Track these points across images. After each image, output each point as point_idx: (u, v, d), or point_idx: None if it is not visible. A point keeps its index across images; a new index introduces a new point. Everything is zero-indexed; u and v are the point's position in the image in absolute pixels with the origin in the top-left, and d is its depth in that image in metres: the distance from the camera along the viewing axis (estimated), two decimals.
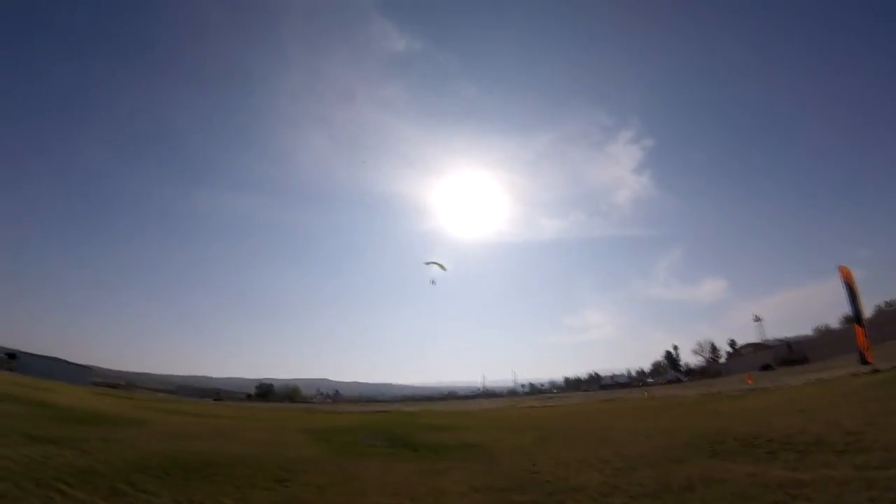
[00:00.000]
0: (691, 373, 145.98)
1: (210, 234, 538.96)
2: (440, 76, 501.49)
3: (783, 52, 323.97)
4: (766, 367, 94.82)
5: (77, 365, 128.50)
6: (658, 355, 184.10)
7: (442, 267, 37.28)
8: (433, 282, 38.85)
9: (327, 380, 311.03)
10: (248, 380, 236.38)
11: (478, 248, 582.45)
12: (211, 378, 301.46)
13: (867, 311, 50.79)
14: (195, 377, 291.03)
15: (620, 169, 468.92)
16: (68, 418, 28.27)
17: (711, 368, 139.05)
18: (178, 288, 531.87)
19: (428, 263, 37.27)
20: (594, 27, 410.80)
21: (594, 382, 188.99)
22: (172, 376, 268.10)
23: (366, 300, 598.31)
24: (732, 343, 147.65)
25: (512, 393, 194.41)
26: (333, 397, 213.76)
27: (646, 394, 70.14)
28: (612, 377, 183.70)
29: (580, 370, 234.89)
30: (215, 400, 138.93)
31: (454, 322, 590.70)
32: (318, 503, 11.75)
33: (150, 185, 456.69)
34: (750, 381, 52.73)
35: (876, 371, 32.38)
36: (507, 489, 12.41)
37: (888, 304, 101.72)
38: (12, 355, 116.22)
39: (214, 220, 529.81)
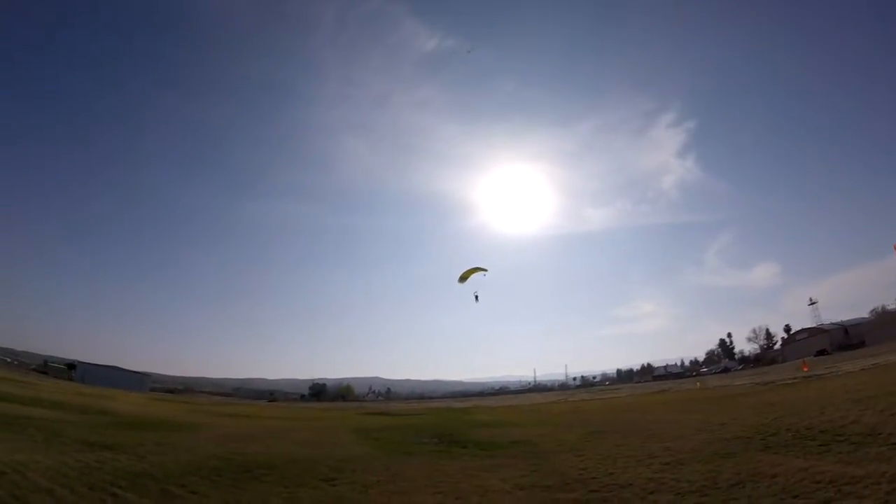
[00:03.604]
0: (746, 361, 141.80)
1: (260, 242, 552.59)
2: (476, 73, 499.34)
3: (830, 29, 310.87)
4: (821, 353, 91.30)
5: (135, 372, 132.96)
6: (712, 344, 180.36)
7: (482, 270, 32.91)
8: (476, 297, 34.59)
9: (379, 378, 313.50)
10: (302, 380, 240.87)
11: (525, 242, 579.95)
12: (266, 380, 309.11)
13: None
14: (251, 380, 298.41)
15: (664, 153, 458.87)
16: (125, 424, 29.51)
17: (766, 356, 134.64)
18: (231, 295, 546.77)
19: (463, 278, 32.43)
20: (629, 12, 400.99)
21: (647, 373, 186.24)
22: (228, 379, 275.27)
23: (416, 299, 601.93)
24: (787, 328, 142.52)
25: (563, 386, 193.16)
26: (385, 395, 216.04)
27: (698, 384, 68.67)
28: (666, 368, 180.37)
29: (633, 362, 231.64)
30: (269, 401, 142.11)
31: (505, 317, 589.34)
32: (363, 502, 11.92)
33: (201, 199, 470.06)
34: (806, 369, 51.02)
35: None
36: (552, 487, 12.39)
37: None
38: (72, 366, 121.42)
39: (264, 228, 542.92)
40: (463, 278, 32.01)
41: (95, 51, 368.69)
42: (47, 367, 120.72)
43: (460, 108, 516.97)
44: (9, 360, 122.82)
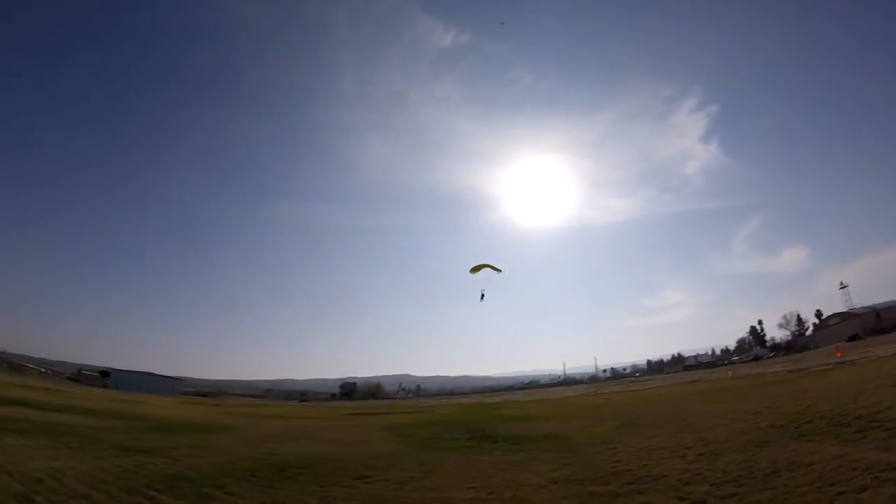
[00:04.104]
0: (777, 348, 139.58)
1: (286, 245, 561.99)
2: (492, 66, 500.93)
3: (853, 7, 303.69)
4: (854, 338, 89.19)
5: (167, 377, 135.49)
6: (743, 332, 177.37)
7: (495, 268, 31.17)
8: (483, 296, 32.69)
9: (409, 375, 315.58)
10: (332, 380, 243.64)
11: (549, 235, 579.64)
12: (297, 380, 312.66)
13: None
14: (282, 380, 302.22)
15: (687, 139, 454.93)
16: (159, 428, 30.12)
17: (798, 342, 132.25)
18: (260, 297, 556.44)
19: (475, 269, 32.29)
20: None
21: (677, 364, 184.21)
22: (260, 381, 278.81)
23: (442, 295, 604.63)
24: (818, 314, 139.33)
25: (593, 379, 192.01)
26: (415, 392, 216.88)
27: (730, 373, 67.93)
28: (696, 357, 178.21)
29: (663, 352, 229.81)
30: (301, 401, 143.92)
31: (533, 311, 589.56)
32: (397, 499, 11.99)
33: (226, 204, 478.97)
34: (839, 355, 50.22)
35: None
36: (586, 480, 12.39)
37: None
38: (105, 373, 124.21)
39: (289, 230, 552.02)
40: (474, 269, 31.24)
41: (119, 63, 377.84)
42: (81, 376, 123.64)
43: (479, 103, 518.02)
44: (42, 369, 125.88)
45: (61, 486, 11.72)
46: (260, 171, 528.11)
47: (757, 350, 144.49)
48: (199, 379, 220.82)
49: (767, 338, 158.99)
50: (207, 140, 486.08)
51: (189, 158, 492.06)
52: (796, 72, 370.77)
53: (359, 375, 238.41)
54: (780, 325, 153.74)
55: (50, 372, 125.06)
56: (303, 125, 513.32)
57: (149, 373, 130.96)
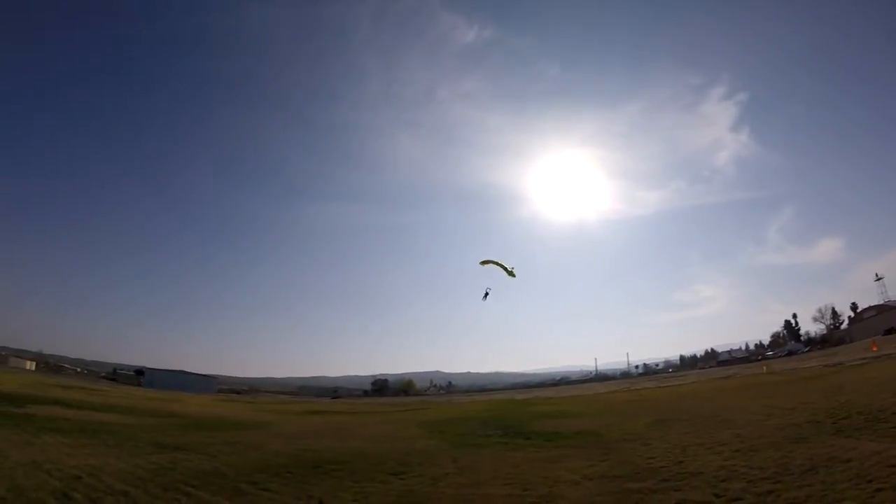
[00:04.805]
0: (812, 342, 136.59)
1: (317, 244, 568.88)
2: (518, 60, 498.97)
3: None
4: (890, 331, 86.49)
5: (201, 375, 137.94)
6: (776, 326, 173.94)
7: (509, 271, 30.85)
8: (486, 294, 31.98)
9: (440, 372, 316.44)
10: (364, 376, 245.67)
11: (578, 229, 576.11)
12: (329, 377, 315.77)
13: None
14: (314, 378, 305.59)
15: (717, 129, 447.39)
16: (194, 426, 31.02)
17: (833, 336, 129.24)
18: (292, 296, 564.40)
19: (485, 262, 30.44)
20: None
21: (711, 359, 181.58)
22: (292, 378, 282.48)
23: (472, 292, 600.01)
24: (854, 306, 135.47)
25: (626, 375, 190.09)
26: (446, 388, 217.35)
27: (764, 368, 66.78)
28: (730, 352, 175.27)
29: (695, 347, 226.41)
30: (333, 398, 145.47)
31: (563, 306, 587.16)
32: (432, 495, 12.10)
33: (257, 206, 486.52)
34: (875, 349, 49.19)
35: None
36: (621, 477, 12.45)
37: None
38: (140, 372, 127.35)
39: (320, 230, 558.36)
40: (484, 262, 29.98)
41: (150, 73, 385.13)
42: (116, 375, 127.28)
43: (506, 98, 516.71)
44: (79, 369, 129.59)
45: (99, 482, 12.05)
46: (291, 173, 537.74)
47: (791, 345, 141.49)
48: (232, 377, 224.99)
49: (802, 332, 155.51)
50: (240, 145, 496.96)
51: (222, 163, 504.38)
52: (826, 56, 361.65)
53: (390, 372, 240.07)
54: (815, 319, 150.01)
55: (86, 372, 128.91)
56: (331, 127, 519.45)
57: (183, 371, 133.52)
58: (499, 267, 29.97)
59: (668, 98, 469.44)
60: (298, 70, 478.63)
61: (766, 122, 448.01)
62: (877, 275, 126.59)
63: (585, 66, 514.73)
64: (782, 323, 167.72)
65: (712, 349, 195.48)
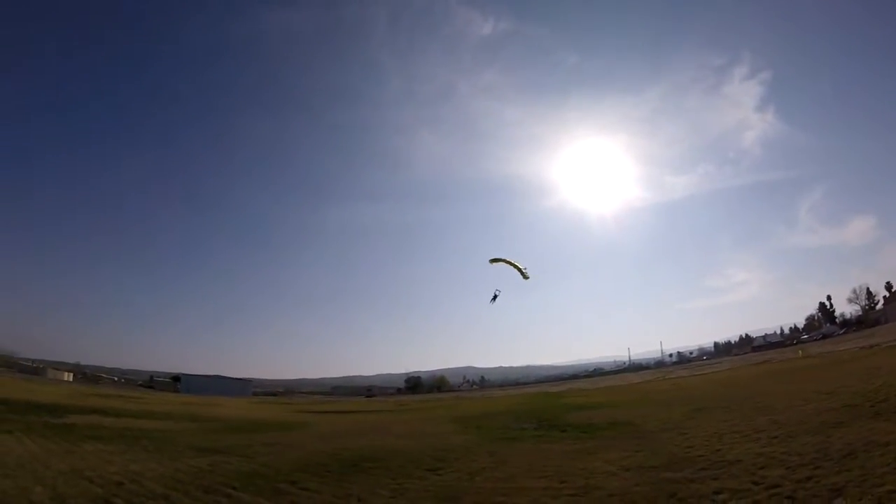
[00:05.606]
0: (847, 324, 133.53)
1: (346, 244, 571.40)
2: (536, 51, 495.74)
3: None
4: None
5: (237, 379, 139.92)
6: (811, 308, 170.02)
7: (521, 271, 29.22)
8: (496, 296, 30.18)
9: (472, 367, 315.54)
10: (397, 374, 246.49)
11: (605, 217, 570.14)
12: (363, 376, 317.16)
13: None
14: (348, 377, 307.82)
15: (742, 109, 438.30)
16: (232, 429, 31.49)
17: (869, 317, 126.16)
18: (324, 297, 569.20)
19: (495, 261, 28.93)
20: None
21: (745, 345, 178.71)
22: (327, 379, 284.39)
23: (502, 285, 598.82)
24: (888, 286, 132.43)
25: (660, 364, 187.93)
26: (479, 384, 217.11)
27: (800, 352, 65.70)
28: (764, 337, 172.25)
29: (729, 333, 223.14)
30: (367, 397, 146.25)
31: (593, 296, 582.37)
32: (470, 489, 12.18)
33: (287, 209, 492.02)
34: None
35: None
36: (658, 467, 12.48)
37: None
38: (176, 378, 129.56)
39: (349, 230, 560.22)
40: (494, 261, 29.18)
41: (177, 85, 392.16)
42: (153, 382, 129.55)
43: (526, 89, 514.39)
44: (116, 378, 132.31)
45: (140, 488, 12.31)
46: (317, 175, 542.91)
47: (826, 327, 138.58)
48: (267, 380, 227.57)
49: (837, 314, 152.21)
50: (267, 149, 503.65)
51: (250, 167, 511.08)
52: (849, 31, 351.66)
53: (423, 369, 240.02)
54: (850, 300, 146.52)
55: (123, 380, 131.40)
56: (355, 127, 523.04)
57: (219, 376, 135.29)
58: (511, 266, 29.11)
59: (690, 81, 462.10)
60: (319, 73, 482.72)
61: (791, 100, 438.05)
62: None
63: (604, 52, 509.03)
64: (816, 305, 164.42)
65: (746, 335, 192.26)
